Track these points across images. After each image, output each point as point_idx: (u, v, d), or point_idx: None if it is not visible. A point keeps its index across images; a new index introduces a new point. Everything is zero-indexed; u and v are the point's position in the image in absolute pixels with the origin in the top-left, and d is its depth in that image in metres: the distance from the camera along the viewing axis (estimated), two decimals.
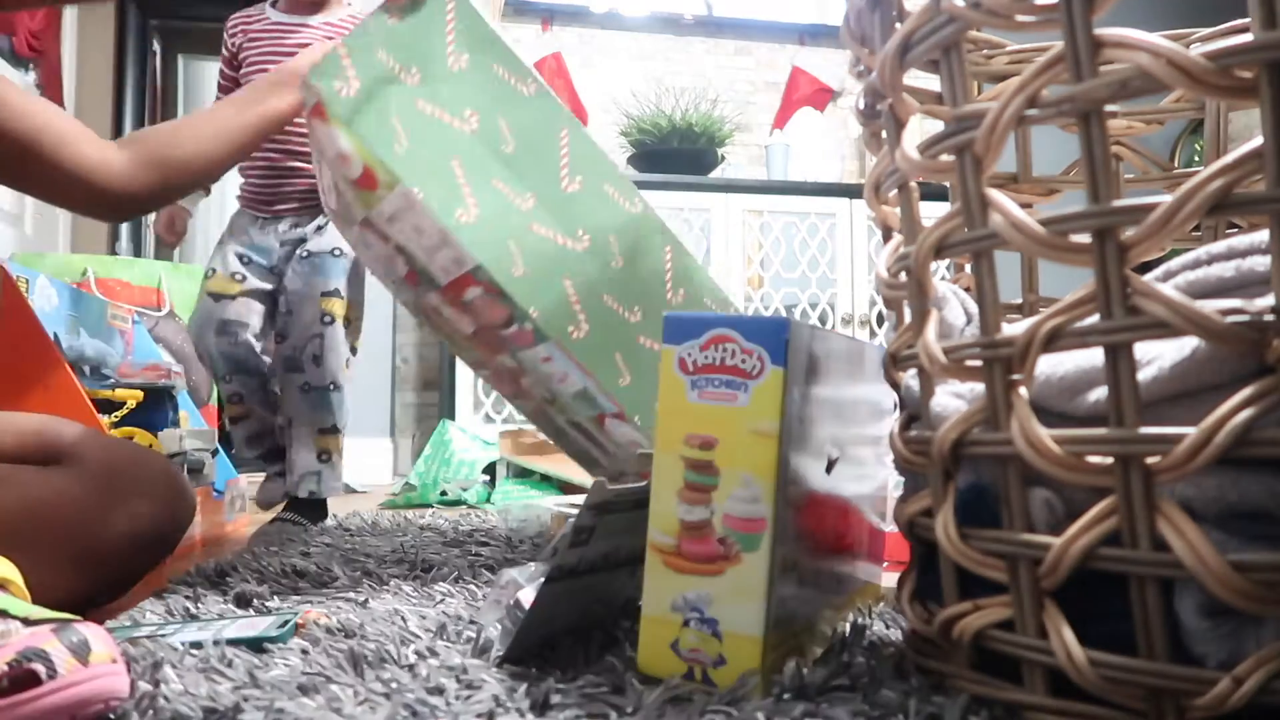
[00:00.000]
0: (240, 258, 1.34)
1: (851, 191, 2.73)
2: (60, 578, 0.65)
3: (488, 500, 1.83)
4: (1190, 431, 0.35)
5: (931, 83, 0.55)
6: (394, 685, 0.46)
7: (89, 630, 0.41)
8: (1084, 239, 0.37)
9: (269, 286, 1.33)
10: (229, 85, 1.46)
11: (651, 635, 0.48)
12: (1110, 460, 0.37)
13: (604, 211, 0.84)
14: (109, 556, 0.70)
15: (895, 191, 0.50)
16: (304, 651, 0.52)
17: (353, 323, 1.36)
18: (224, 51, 1.47)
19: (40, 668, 0.38)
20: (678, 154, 2.63)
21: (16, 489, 0.68)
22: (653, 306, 0.84)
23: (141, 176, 0.85)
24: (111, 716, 0.42)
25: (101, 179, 0.83)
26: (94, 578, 0.70)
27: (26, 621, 0.43)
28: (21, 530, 0.64)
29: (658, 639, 0.48)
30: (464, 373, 2.45)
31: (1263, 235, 0.40)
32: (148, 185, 0.86)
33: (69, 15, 2.59)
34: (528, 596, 0.53)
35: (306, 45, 1.40)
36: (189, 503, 0.79)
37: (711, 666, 0.47)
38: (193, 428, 1.26)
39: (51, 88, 2.63)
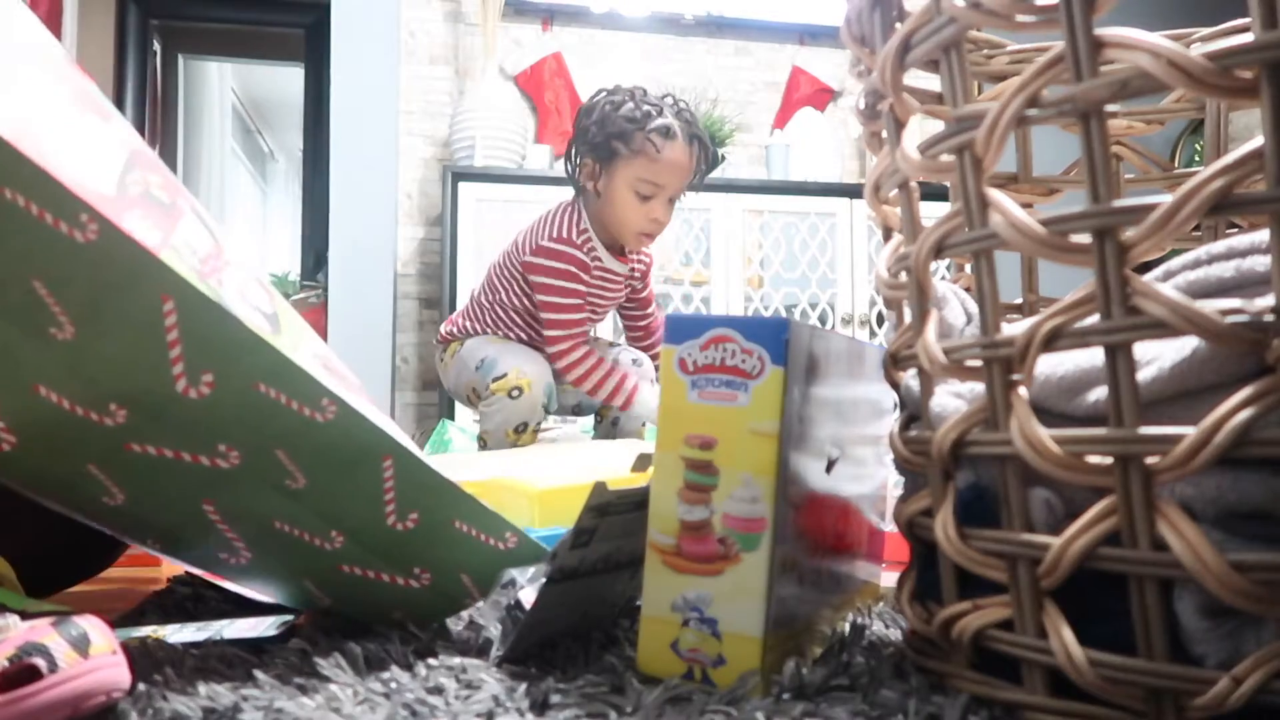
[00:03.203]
0: None
1: (851, 191, 2.73)
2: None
3: None
4: (1190, 431, 0.35)
5: (931, 83, 0.55)
6: (394, 685, 0.46)
7: (88, 622, 0.41)
8: (1084, 239, 0.37)
9: None
10: (579, 298, 1.65)
11: (651, 635, 0.48)
12: (1110, 460, 0.37)
13: None
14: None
15: (895, 191, 0.50)
16: (304, 651, 0.52)
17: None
18: (576, 266, 1.63)
19: (41, 662, 0.38)
20: None
21: None
22: (148, 406, 0.45)
23: None
24: (110, 714, 0.42)
25: None
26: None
27: (24, 615, 0.43)
28: None
29: (657, 639, 0.48)
30: None
31: (1263, 235, 0.40)
32: None
33: (69, 14, 2.59)
34: (528, 596, 0.53)
35: (615, 295, 1.75)
36: None
37: (711, 666, 0.47)
38: None
39: None
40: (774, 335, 0.46)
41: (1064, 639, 0.39)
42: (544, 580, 0.50)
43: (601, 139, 1.55)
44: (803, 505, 0.49)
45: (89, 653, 0.40)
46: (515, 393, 1.63)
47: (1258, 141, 0.33)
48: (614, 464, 0.95)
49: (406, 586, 0.55)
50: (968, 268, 0.66)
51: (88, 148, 0.45)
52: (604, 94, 1.59)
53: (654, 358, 1.87)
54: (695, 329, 0.48)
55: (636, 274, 1.78)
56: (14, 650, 0.38)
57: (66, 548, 0.69)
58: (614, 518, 0.52)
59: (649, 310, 1.89)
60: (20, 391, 0.44)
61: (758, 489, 0.46)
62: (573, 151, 1.62)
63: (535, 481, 0.87)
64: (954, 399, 0.47)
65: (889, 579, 0.68)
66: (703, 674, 0.47)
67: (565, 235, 1.61)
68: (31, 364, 0.44)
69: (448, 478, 0.51)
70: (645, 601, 0.48)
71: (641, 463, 0.86)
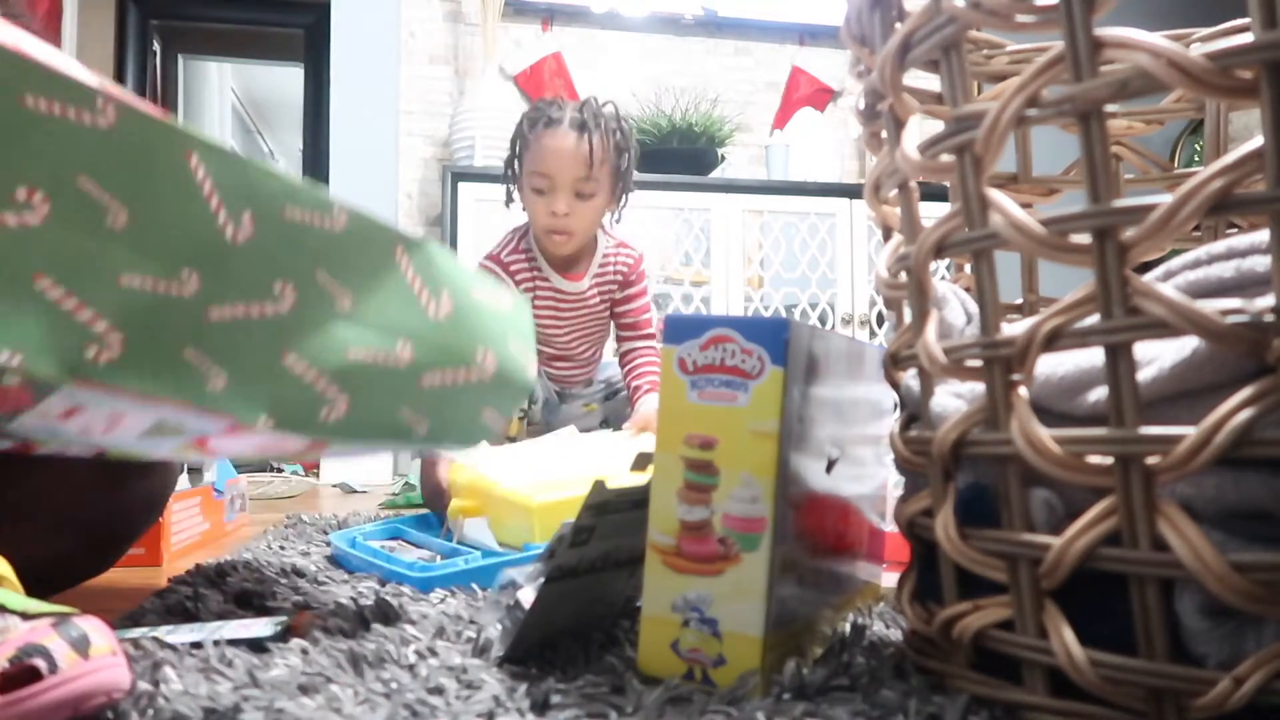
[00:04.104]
0: None
1: (851, 191, 2.73)
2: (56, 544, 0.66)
3: None
4: (1190, 431, 0.35)
5: (931, 83, 0.54)
6: (394, 685, 0.46)
7: (88, 624, 0.41)
8: (1084, 239, 0.37)
9: None
10: None
11: (651, 635, 0.48)
12: (1110, 460, 0.37)
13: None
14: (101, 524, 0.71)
15: (895, 191, 0.50)
16: (304, 651, 0.52)
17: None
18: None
19: (41, 663, 0.38)
20: (678, 154, 2.63)
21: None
22: (212, 263, 0.51)
23: None
24: (110, 714, 0.42)
25: None
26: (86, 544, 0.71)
27: (25, 616, 0.43)
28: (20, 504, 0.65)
29: (658, 639, 0.48)
30: None
31: (1263, 235, 0.40)
32: None
33: (69, 14, 2.59)
34: (528, 596, 0.53)
35: (580, 313, 1.65)
36: (174, 466, 0.79)
37: (711, 666, 0.47)
38: None
39: None
40: (774, 335, 0.46)
41: (1064, 639, 0.39)
42: (543, 579, 0.50)
43: (510, 146, 1.58)
44: (803, 505, 0.49)
45: (89, 654, 0.40)
46: None
47: (1258, 141, 0.33)
48: (613, 462, 0.95)
49: (480, 383, 0.61)
50: (968, 268, 0.66)
51: (59, 58, 0.51)
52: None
53: (634, 390, 1.62)
54: (695, 329, 0.48)
55: (612, 282, 1.66)
56: (15, 651, 0.38)
57: (68, 550, 0.69)
58: (613, 516, 0.52)
59: (638, 335, 1.66)
60: (109, 287, 0.47)
61: (758, 489, 0.46)
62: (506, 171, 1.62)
63: (534, 495, 0.87)
64: (954, 399, 0.47)
65: (889, 579, 0.68)
66: (703, 674, 0.47)
67: (497, 253, 1.61)
68: (107, 257, 0.47)
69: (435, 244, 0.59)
70: (645, 602, 0.48)
71: (640, 462, 0.85)
